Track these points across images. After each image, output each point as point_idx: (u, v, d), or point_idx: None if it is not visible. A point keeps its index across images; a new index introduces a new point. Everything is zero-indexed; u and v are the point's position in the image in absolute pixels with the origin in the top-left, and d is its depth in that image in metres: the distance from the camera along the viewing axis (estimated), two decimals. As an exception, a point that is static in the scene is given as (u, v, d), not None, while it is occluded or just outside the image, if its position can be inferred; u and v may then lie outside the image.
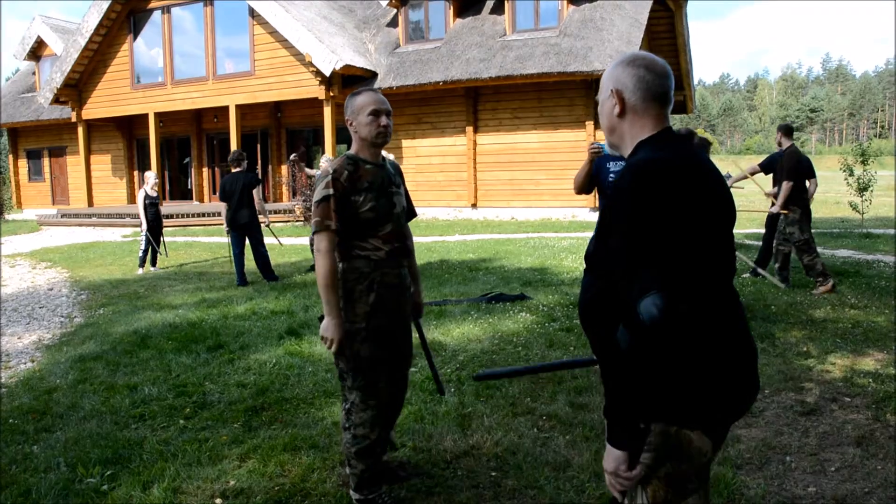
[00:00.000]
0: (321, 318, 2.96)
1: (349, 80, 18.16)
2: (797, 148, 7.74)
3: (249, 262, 9.35)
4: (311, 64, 17.55)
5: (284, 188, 21.10)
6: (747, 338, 1.84)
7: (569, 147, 17.08)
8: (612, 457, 1.72)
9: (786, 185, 7.52)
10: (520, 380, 4.77)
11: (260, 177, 9.56)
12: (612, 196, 1.74)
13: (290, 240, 14.45)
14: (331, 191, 2.90)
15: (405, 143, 19.05)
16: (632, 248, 1.65)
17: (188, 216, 18.63)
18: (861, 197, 12.88)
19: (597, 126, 17.03)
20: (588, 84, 16.88)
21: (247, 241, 9.25)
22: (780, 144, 7.84)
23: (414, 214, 3.36)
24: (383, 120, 2.97)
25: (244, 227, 9.12)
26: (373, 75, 18.35)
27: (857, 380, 4.59)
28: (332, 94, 17.83)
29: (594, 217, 16.63)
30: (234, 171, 9.31)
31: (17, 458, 3.73)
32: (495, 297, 7.48)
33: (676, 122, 37.13)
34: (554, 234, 14.01)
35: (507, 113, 18.05)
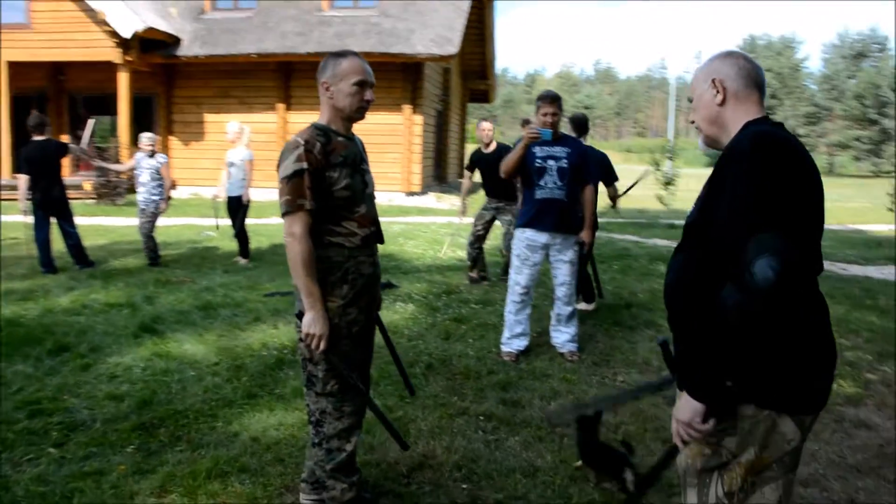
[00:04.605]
0: (299, 315, 2.50)
1: (148, 45, 16.34)
2: None
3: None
4: (104, 23, 15.54)
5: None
6: (831, 331, 1.82)
7: (386, 130, 16.58)
8: (689, 407, 1.69)
9: None
10: (435, 377, 4.48)
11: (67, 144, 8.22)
12: (727, 160, 1.70)
13: (83, 220, 12.73)
14: (304, 164, 2.48)
15: (209, 117, 17.61)
16: (748, 208, 1.60)
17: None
18: (666, 190, 14.11)
19: (414, 110, 16.91)
20: (408, 67, 16.67)
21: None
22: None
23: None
24: (368, 94, 2.61)
25: (54, 204, 7.77)
26: (176, 41, 16.72)
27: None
28: (129, 58, 15.96)
29: (410, 202, 16.48)
30: (35, 139, 7.89)
31: None
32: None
33: (481, 110, 38.06)
34: (380, 219, 13.68)
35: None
